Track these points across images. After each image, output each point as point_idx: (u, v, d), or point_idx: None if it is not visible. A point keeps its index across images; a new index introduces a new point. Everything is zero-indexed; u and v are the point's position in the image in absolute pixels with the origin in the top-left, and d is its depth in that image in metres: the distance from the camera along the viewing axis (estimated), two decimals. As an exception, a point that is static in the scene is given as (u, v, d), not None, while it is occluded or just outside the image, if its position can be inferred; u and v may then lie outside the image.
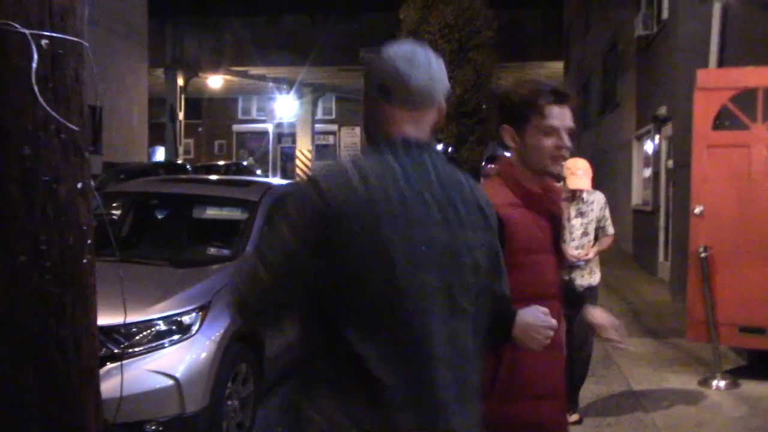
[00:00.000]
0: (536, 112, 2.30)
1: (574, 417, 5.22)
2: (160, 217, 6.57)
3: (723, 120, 7.43)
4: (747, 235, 6.17)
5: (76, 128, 2.03)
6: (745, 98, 6.34)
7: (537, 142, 2.32)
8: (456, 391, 1.76)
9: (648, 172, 13.07)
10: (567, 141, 2.32)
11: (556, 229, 2.48)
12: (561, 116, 2.31)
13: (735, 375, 6.30)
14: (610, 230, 5.14)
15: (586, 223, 5.00)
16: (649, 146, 12.91)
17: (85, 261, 2.11)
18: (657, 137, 11.91)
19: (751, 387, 6.07)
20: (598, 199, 5.07)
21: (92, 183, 2.16)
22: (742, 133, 6.34)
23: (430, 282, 1.73)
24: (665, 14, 11.33)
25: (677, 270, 9.49)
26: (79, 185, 2.09)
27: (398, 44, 1.89)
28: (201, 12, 31.78)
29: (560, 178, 2.91)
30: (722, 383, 6.09)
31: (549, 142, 2.31)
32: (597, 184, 17.26)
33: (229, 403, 4.68)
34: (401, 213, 1.71)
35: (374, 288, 1.68)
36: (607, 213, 5.11)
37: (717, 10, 8.77)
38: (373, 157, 1.78)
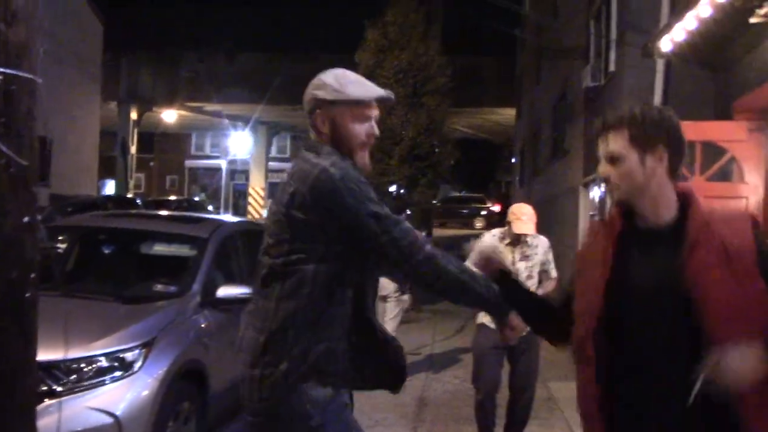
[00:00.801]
0: None
1: (517, 459, 5.28)
2: (106, 252, 6.51)
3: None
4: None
5: (25, 163, 2.05)
6: (688, 151, 6.58)
7: None
8: None
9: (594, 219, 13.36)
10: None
11: None
12: None
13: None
14: (554, 273, 5.27)
15: (531, 266, 5.13)
16: (595, 193, 13.22)
17: (28, 295, 2.11)
18: (602, 185, 12.21)
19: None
20: (542, 243, 5.21)
21: (38, 216, 2.17)
22: (681, 184, 6.56)
23: None
24: (612, 67, 11.71)
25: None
26: (26, 219, 2.10)
27: None
28: (157, 47, 31.73)
29: None
30: (661, 427, 6.20)
31: None
32: (546, 229, 17.54)
33: (170, 442, 4.62)
34: None
35: None
36: (551, 257, 5.25)
37: (660, 65, 9.11)
38: None
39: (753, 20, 5.38)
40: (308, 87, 2.56)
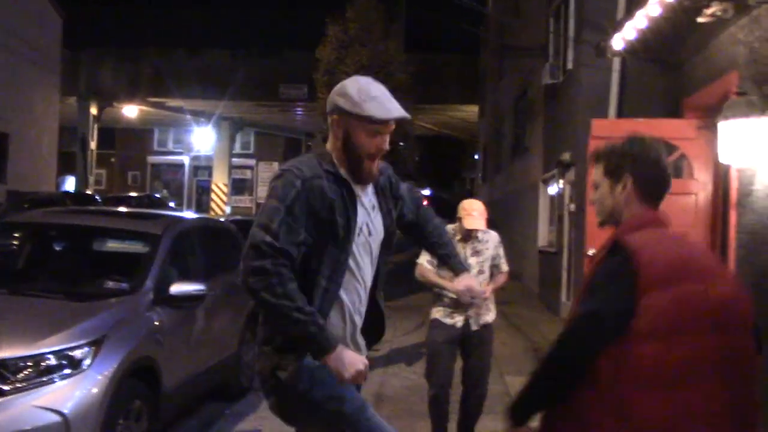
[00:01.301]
0: None
1: (469, 454, 5.33)
2: (58, 249, 6.42)
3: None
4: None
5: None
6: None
7: None
8: None
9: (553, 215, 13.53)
10: None
11: None
12: None
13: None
14: (504, 267, 5.32)
15: (482, 261, 5.17)
16: (554, 189, 13.38)
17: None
18: (561, 181, 12.37)
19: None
20: (493, 238, 5.26)
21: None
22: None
23: None
24: (570, 65, 11.85)
25: (578, 310, 9.78)
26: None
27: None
28: (118, 42, 31.34)
29: None
30: (613, 420, 6.29)
31: None
32: (508, 224, 17.69)
33: (121, 439, 4.58)
34: None
35: None
36: (501, 251, 5.29)
37: (616, 63, 9.24)
38: None
39: (701, 20, 5.48)
40: (335, 88, 2.73)
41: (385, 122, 2.65)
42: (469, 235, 5.10)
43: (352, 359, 2.57)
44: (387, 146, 2.71)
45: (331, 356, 2.53)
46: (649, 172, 2.28)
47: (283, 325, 2.57)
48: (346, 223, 2.67)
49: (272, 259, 2.51)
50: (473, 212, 5.04)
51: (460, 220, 5.08)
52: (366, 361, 2.64)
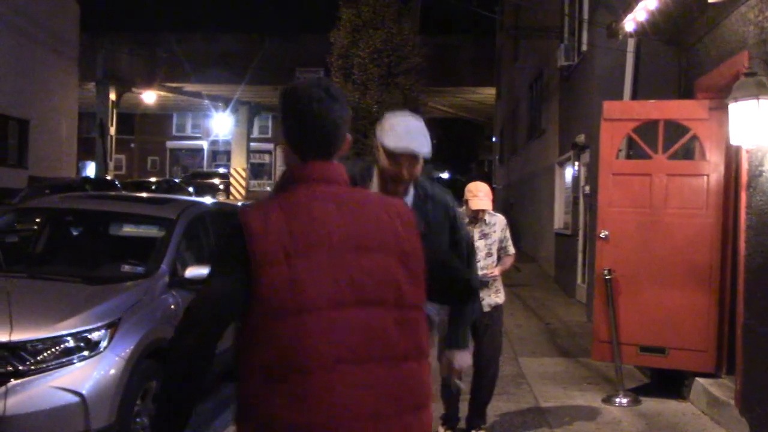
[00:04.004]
0: None
1: (480, 433, 5.40)
2: (75, 233, 6.53)
3: (633, 150, 7.80)
4: (648, 259, 6.49)
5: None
6: (651, 130, 6.69)
7: None
8: None
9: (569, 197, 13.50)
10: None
11: None
12: None
13: (637, 393, 6.59)
14: (511, 250, 5.39)
15: (490, 244, 5.24)
16: (569, 172, 13.34)
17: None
18: (576, 164, 12.33)
19: (651, 404, 6.36)
20: (500, 220, 5.32)
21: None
22: (644, 162, 6.68)
23: None
24: (584, 47, 11.78)
25: (593, 292, 9.82)
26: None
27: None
28: (135, 27, 31.54)
29: None
30: (624, 400, 6.35)
31: None
32: (524, 207, 17.59)
33: (138, 420, 4.69)
34: None
35: None
36: (508, 234, 5.36)
37: (631, 44, 9.18)
38: None
39: (711, 0, 5.45)
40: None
41: (392, 153, 2.91)
42: (476, 218, 5.17)
43: None
44: (407, 176, 2.95)
45: None
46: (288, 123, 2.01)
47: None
48: None
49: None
50: (479, 193, 5.12)
51: (466, 202, 5.15)
52: None
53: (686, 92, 6.95)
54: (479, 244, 5.15)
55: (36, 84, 21.45)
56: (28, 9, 20.43)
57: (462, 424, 5.48)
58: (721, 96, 6.17)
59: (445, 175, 43.24)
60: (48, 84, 22.37)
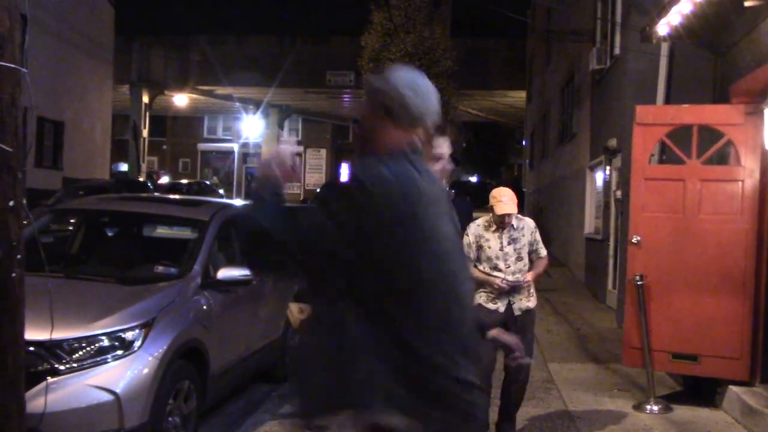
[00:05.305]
0: None
1: (510, 439, 5.38)
2: (110, 234, 6.64)
3: (666, 154, 7.72)
4: (680, 264, 6.42)
5: (9, 149, 2.15)
6: (685, 134, 6.62)
7: None
8: None
9: (600, 202, 13.41)
10: None
11: None
12: None
13: (669, 400, 6.52)
14: (543, 252, 5.37)
15: (519, 248, 5.22)
16: (600, 176, 13.24)
17: (13, 275, 2.22)
18: (608, 168, 12.24)
19: (682, 412, 6.29)
20: (528, 224, 5.31)
21: (24, 200, 2.27)
22: (678, 167, 6.62)
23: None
24: (617, 50, 11.70)
25: (624, 298, 9.73)
26: (11, 203, 2.20)
27: (403, 71, 2.18)
28: (168, 30, 31.86)
29: None
30: (656, 408, 6.29)
31: None
32: (555, 210, 17.46)
33: (170, 419, 4.74)
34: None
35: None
36: (538, 237, 5.34)
37: (664, 48, 9.10)
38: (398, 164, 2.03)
39: (748, 3, 5.40)
40: None
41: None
42: (503, 223, 5.16)
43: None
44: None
45: None
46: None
47: None
48: None
49: None
50: (503, 198, 5.11)
51: (492, 208, 5.16)
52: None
53: (721, 97, 6.88)
54: (508, 249, 5.15)
55: (71, 86, 21.78)
56: (63, 13, 20.75)
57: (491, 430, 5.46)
58: (756, 101, 6.11)
59: (473, 179, 43.09)
60: (83, 86, 22.69)
